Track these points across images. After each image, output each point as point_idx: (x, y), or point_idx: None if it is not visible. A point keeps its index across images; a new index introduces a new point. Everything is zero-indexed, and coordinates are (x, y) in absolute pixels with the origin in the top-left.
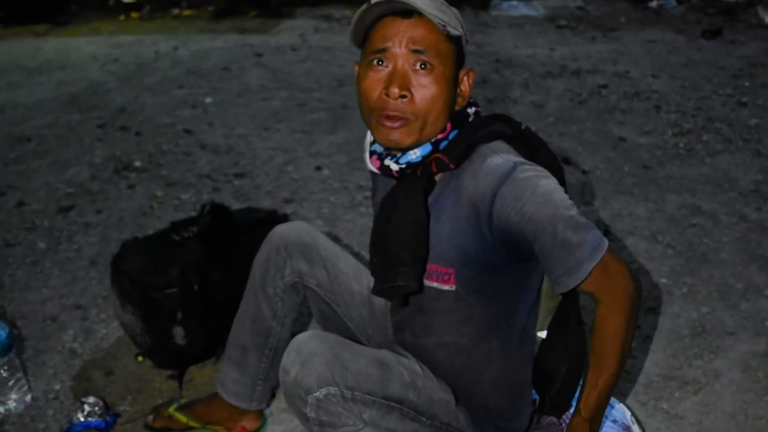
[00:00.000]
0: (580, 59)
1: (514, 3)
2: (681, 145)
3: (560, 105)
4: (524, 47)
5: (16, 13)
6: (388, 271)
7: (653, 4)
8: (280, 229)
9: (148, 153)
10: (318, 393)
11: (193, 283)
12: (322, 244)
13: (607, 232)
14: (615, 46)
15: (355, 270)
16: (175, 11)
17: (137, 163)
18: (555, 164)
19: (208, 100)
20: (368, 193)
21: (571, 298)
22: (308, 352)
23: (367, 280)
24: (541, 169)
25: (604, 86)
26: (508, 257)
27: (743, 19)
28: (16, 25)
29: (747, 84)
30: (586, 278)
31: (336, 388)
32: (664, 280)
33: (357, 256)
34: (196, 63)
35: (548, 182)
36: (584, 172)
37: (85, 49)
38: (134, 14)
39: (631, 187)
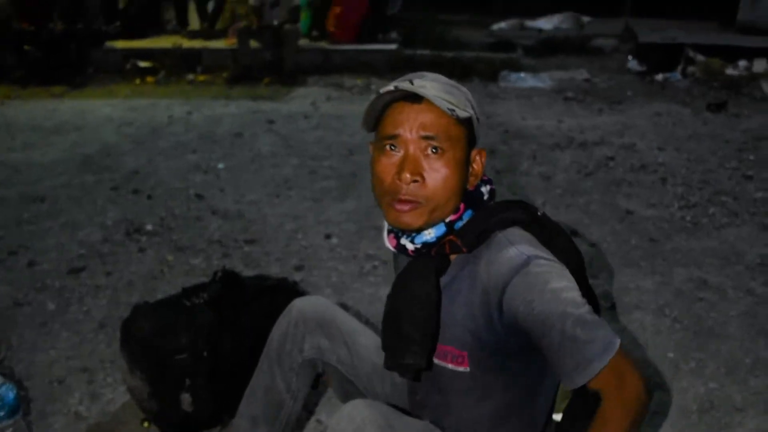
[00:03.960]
0: (587, 131)
1: (522, 75)
2: (687, 218)
3: (568, 177)
4: (532, 119)
5: (35, 74)
6: (397, 348)
7: (659, 77)
8: (298, 303)
9: (159, 216)
10: None
11: (203, 349)
12: (341, 318)
13: (613, 306)
14: (621, 119)
15: (375, 343)
16: (190, 76)
17: (149, 227)
18: (572, 250)
19: (220, 165)
20: (377, 263)
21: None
22: (361, 419)
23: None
24: (555, 264)
25: (611, 158)
26: (521, 346)
27: (747, 92)
28: (34, 86)
29: (752, 158)
30: (595, 376)
31: None
32: (671, 355)
33: (366, 325)
34: (209, 128)
35: (560, 279)
36: (591, 244)
37: (100, 111)
38: (150, 78)
39: (638, 260)
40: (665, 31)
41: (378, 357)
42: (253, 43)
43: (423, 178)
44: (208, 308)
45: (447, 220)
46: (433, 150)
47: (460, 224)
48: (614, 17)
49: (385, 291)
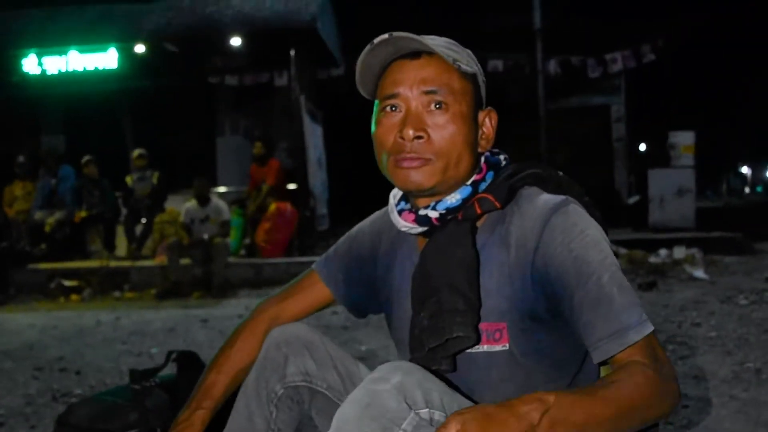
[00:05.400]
0: None
1: None
2: None
3: None
4: None
5: None
6: (441, 323)
7: None
8: (280, 327)
9: (89, 385)
10: (425, 412)
11: (155, 426)
12: (329, 343)
13: None
14: None
15: (366, 374)
16: (117, 293)
17: (77, 391)
18: (596, 215)
19: (154, 350)
20: None
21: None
22: (410, 367)
23: None
24: (590, 217)
25: None
26: (550, 312)
27: (673, 275)
28: None
29: (695, 313)
30: (629, 348)
31: (442, 416)
32: None
33: None
34: (140, 327)
35: (598, 229)
36: None
37: (22, 320)
38: (75, 297)
39: None
40: None
41: None
42: (184, 260)
43: (427, 134)
44: (161, 389)
45: (471, 180)
46: (437, 105)
47: (484, 185)
48: None
49: None
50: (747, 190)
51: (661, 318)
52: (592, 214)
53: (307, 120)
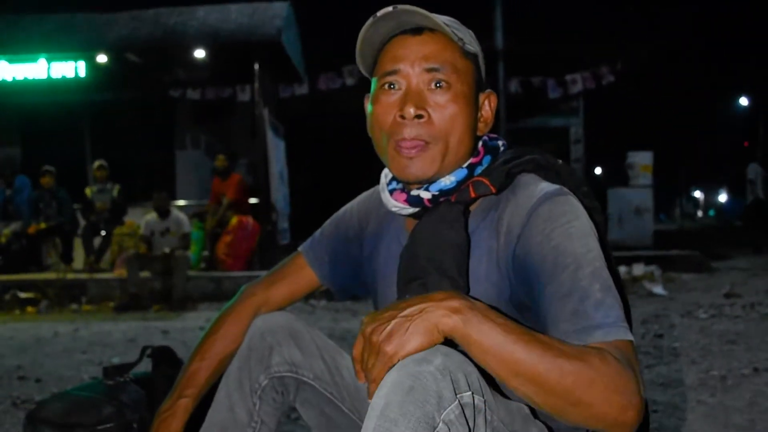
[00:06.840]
0: None
1: None
2: None
3: None
4: None
5: None
6: None
7: None
8: (264, 315)
9: (51, 393)
10: (467, 395)
11: (131, 420)
12: (316, 332)
13: None
14: None
15: (351, 364)
16: (74, 306)
17: (39, 398)
18: (594, 207)
19: (115, 359)
20: None
21: None
22: (447, 349)
23: None
24: (587, 215)
25: None
26: (529, 299)
27: (632, 291)
28: None
29: (657, 326)
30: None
31: (482, 401)
32: None
33: None
34: (100, 338)
35: (590, 225)
36: None
37: None
38: (30, 308)
39: None
40: None
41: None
42: (143, 273)
43: (428, 113)
44: (137, 385)
45: (467, 163)
46: (438, 84)
47: (480, 169)
48: None
49: None
50: (700, 213)
51: None
52: (591, 206)
53: (270, 134)
